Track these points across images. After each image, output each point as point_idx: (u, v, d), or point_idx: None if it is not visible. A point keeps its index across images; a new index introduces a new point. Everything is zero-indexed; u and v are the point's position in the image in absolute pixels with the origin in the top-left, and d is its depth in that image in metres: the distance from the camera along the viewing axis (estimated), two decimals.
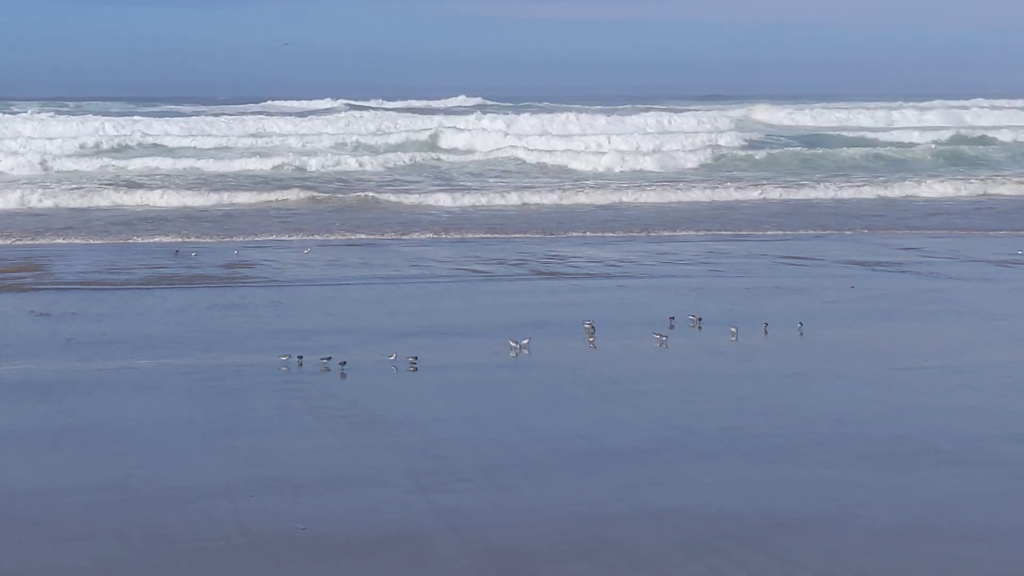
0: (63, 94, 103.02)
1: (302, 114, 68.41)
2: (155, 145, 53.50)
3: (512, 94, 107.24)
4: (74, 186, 41.12)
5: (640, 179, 46.33)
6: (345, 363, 14.45)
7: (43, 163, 47.65)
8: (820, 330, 16.88)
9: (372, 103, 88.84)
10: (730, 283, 21.79)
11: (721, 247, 27.62)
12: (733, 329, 16.49)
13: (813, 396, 13.48)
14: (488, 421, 12.41)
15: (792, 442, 11.56)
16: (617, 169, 49.46)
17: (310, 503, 9.84)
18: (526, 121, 61.46)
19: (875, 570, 8.56)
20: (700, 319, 17.14)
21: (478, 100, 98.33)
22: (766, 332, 16.61)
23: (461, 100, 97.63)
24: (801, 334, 16.64)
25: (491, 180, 45.40)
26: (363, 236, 30.49)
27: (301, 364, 14.62)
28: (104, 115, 63.20)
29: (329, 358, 14.65)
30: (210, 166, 48.06)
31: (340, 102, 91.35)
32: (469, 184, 43.71)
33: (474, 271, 23.59)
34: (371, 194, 39.68)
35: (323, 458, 11.04)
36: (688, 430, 11.94)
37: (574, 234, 30.84)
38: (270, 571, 8.56)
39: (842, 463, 10.86)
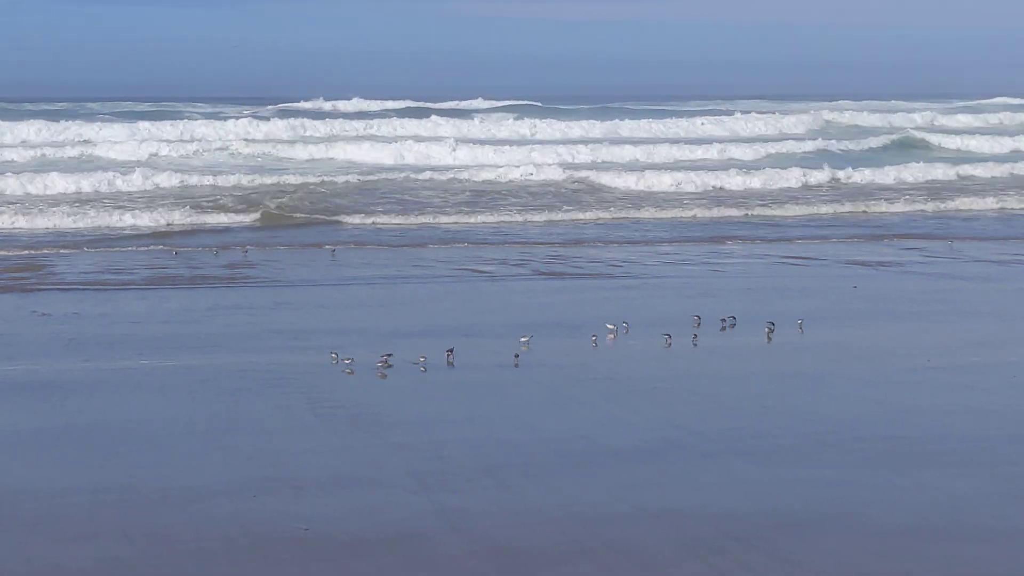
0: (73, 95, 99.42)
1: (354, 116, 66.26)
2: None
3: (523, 95, 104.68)
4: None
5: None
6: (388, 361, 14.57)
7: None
8: (823, 330, 16.84)
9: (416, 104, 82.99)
10: (732, 283, 21.78)
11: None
12: (768, 328, 16.60)
13: (816, 396, 13.46)
14: (490, 421, 12.40)
15: (795, 442, 11.54)
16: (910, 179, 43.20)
17: (312, 503, 9.82)
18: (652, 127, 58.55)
19: (878, 570, 8.55)
20: (735, 319, 17.11)
21: (520, 102, 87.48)
22: (771, 332, 16.60)
23: (480, 102, 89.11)
24: (801, 331, 16.63)
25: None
26: None
27: (338, 360, 14.72)
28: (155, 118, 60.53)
29: (336, 354, 14.80)
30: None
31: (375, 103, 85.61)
32: None
33: (476, 271, 23.57)
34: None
35: (325, 458, 11.03)
36: (690, 430, 11.92)
37: None
38: (272, 571, 8.55)
39: (845, 463, 10.84)
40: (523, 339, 15.80)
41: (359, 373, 14.30)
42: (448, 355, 14.85)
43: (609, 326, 16.64)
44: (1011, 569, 8.61)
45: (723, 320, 17.10)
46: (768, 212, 36.10)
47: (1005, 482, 10.39)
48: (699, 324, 16.83)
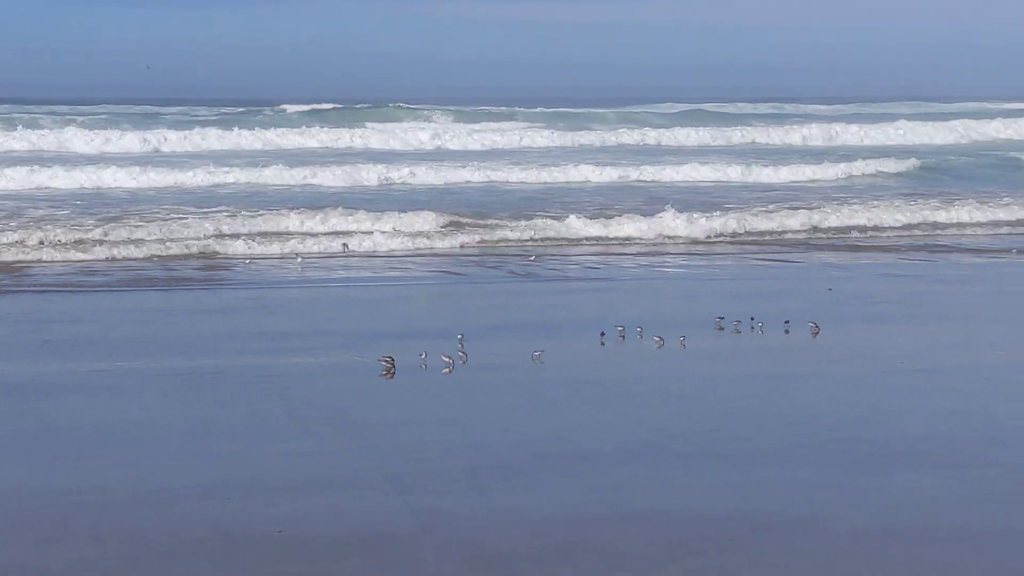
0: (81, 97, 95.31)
1: None
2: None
3: (530, 96, 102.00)
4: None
5: None
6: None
7: None
8: (799, 332, 16.85)
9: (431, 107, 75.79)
10: (713, 286, 21.82)
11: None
12: (787, 322, 16.79)
13: (792, 398, 13.49)
14: (467, 423, 12.37)
15: (772, 444, 11.55)
16: None
17: (287, 505, 9.78)
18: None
19: (854, 572, 8.56)
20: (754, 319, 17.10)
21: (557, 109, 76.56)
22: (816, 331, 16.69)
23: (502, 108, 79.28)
24: (787, 332, 16.65)
25: None
26: None
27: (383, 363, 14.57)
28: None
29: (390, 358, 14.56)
30: None
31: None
32: None
33: (455, 273, 23.55)
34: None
35: (300, 460, 10.99)
36: (668, 432, 11.92)
37: None
38: (246, 573, 8.51)
39: (821, 465, 10.86)
40: (460, 337, 15.66)
41: (336, 375, 14.27)
42: (423, 357, 14.79)
43: (619, 328, 16.43)
44: (986, 571, 8.63)
45: (737, 322, 17.03)
46: None
47: (980, 484, 10.42)
48: (722, 327, 16.77)
